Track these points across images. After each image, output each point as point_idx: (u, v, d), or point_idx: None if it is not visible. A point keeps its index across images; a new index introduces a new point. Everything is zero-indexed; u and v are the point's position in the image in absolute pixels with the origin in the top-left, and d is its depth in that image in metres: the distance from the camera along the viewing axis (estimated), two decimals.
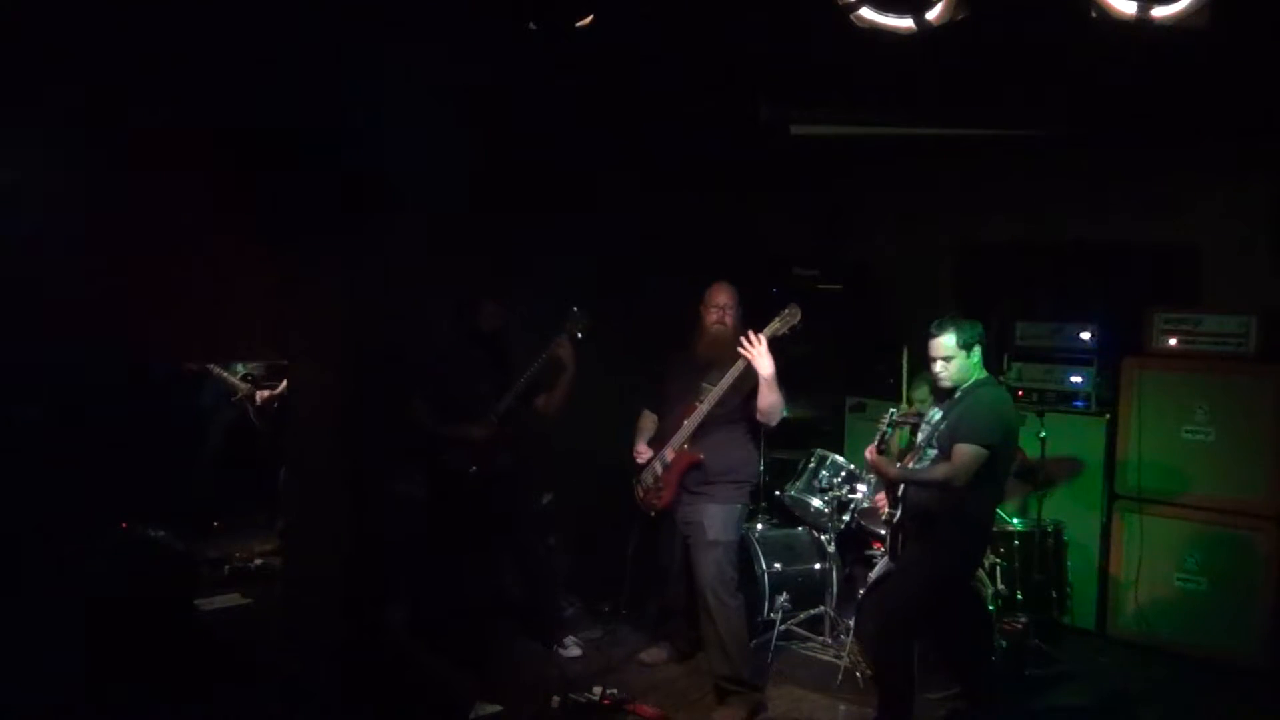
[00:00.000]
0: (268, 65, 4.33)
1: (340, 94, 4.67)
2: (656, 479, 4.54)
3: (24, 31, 3.80)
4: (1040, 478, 5.12)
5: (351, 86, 4.68)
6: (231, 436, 6.55)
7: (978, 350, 3.90)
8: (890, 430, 3.97)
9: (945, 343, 3.87)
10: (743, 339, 4.19)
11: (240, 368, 6.44)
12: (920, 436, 4.06)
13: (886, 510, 4.04)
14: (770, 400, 4.28)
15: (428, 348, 5.06)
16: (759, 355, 4.15)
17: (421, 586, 4.97)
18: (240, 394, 6.41)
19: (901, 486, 3.98)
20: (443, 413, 4.84)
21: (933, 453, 3.90)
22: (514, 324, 4.96)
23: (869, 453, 3.93)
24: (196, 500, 6.37)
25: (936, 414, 4.00)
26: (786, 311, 4.22)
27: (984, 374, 3.96)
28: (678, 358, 4.60)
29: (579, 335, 4.74)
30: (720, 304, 4.49)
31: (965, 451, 3.71)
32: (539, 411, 4.88)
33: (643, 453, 4.62)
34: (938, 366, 3.92)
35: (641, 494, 4.65)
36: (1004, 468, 3.93)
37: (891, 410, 4.09)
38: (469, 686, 4.37)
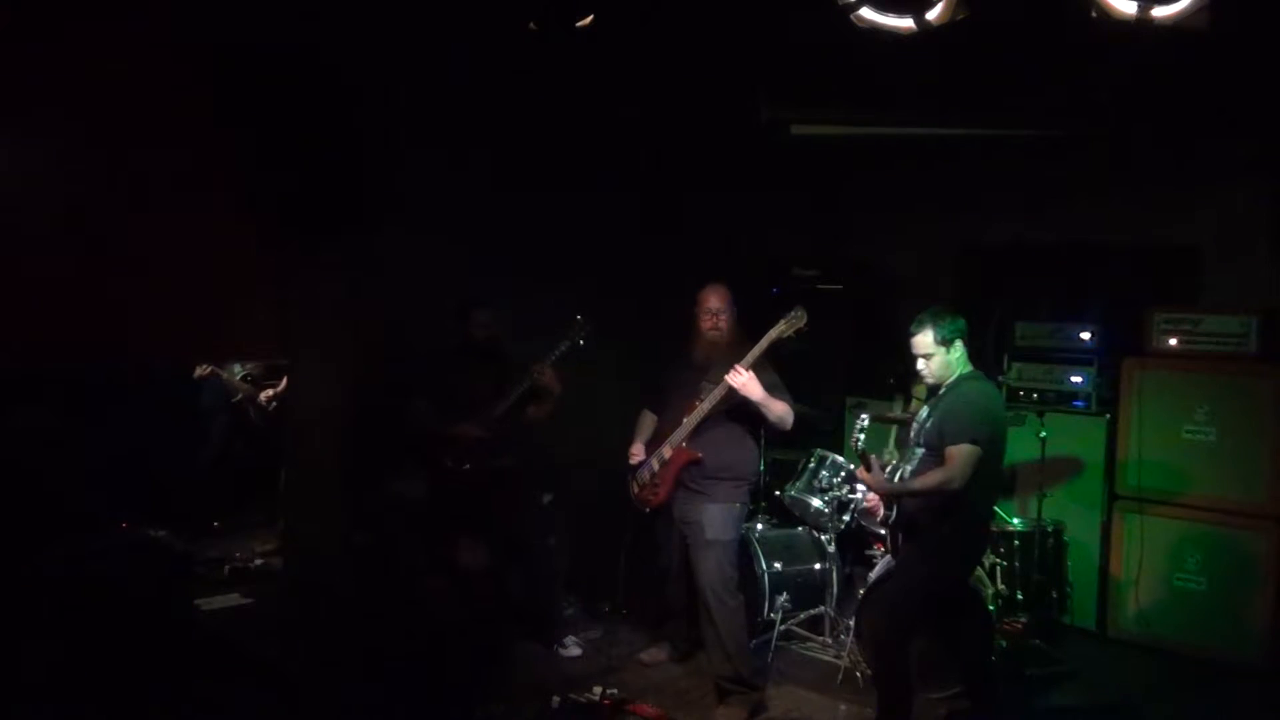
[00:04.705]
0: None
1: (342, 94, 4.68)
2: (653, 475, 4.53)
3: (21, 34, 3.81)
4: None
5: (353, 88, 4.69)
6: (232, 437, 6.56)
7: (959, 345, 3.84)
8: (863, 438, 3.82)
9: (923, 340, 3.83)
10: (728, 376, 4.13)
11: (239, 368, 6.43)
12: (911, 435, 4.04)
13: (882, 511, 4.03)
14: (774, 414, 4.27)
15: (435, 347, 5.07)
16: (746, 384, 4.11)
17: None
18: (240, 395, 6.41)
19: None
20: (442, 412, 4.85)
21: (921, 451, 3.88)
22: (506, 332, 4.95)
23: (860, 474, 3.88)
24: (196, 500, 6.36)
25: (924, 411, 3.98)
26: (793, 314, 4.15)
27: (968, 368, 3.89)
28: (678, 357, 4.60)
29: (580, 343, 4.75)
30: (713, 309, 4.46)
31: (958, 453, 3.65)
32: (526, 422, 4.91)
33: (635, 454, 4.62)
34: (919, 364, 3.89)
35: (637, 490, 4.64)
36: (996, 462, 3.88)
37: (863, 418, 3.90)
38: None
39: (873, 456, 3.82)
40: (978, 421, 3.70)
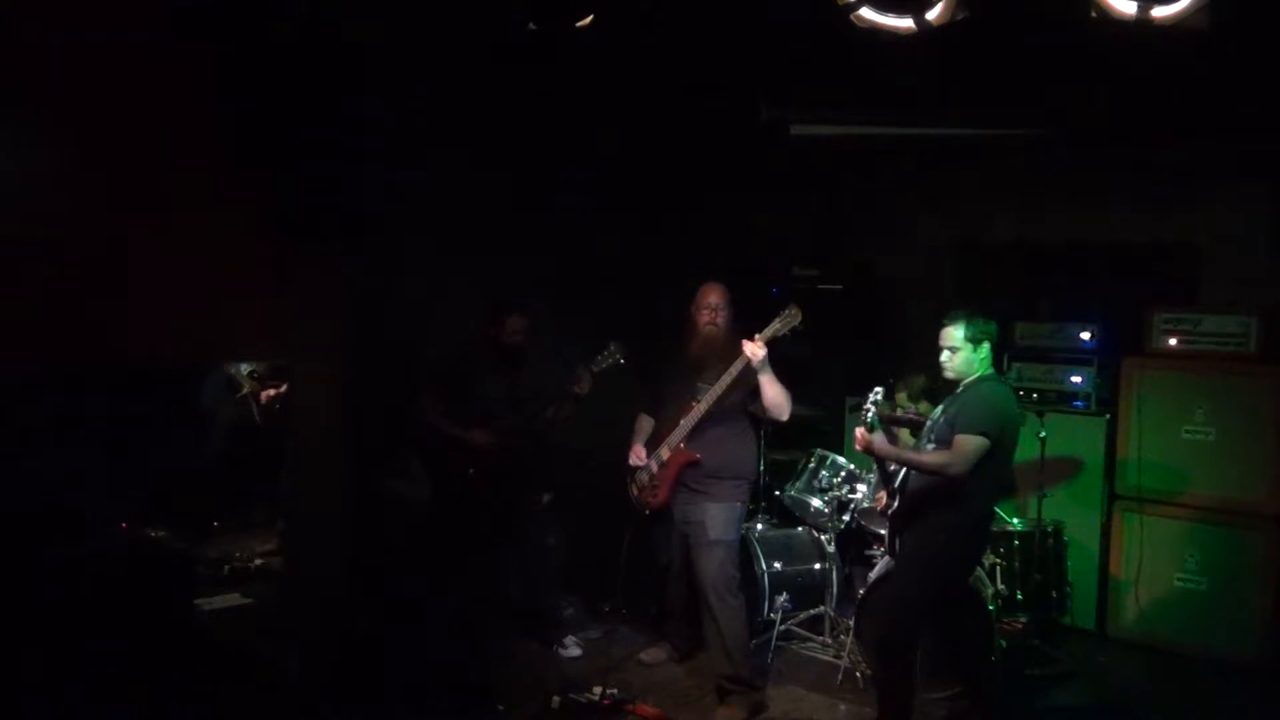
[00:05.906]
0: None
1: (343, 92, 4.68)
2: (652, 477, 4.53)
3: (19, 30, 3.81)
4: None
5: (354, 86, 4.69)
6: (233, 436, 6.55)
7: (986, 346, 3.91)
8: (874, 408, 3.92)
9: (954, 333, 3.90)
10: (745, 342, 4.17)
11: (246, 366, 6.43)
12: (924, 432, 4.06)
13: (885, 501, 4.04)
14: (774, 393, 4.27)
15: (450, 345, 5.06)
16: (759, 354, 4.14)
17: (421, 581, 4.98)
18: (245, 391, 6.41)
19: (899, 479, 3.98)
20: (451, 412, 4.83)
21: (931, 447, 3.90)
22: (531, 344, 4.93)
23: (859, 432, 3.92)
24: (196, 500, 6.35)
25: (938, 410, 4.01)
26: (787, 312, 4.18)
27: (989, 370, 3.95)
28: (673, 358, 4.60)
29: (621, 361, 4.76)
30: (711, 305, 4.47)
31: (964, 440, 3.71)
32: (550, 421, 4.89)
33: (637, 456, 4.62)
34: (943, 356, 3.95)
35: (636, 492, 4.64)
36: (1004, 464, 3.90)
37: (876, 389, 4.01)
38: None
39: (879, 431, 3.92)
40: (990, 417, 3.75)
